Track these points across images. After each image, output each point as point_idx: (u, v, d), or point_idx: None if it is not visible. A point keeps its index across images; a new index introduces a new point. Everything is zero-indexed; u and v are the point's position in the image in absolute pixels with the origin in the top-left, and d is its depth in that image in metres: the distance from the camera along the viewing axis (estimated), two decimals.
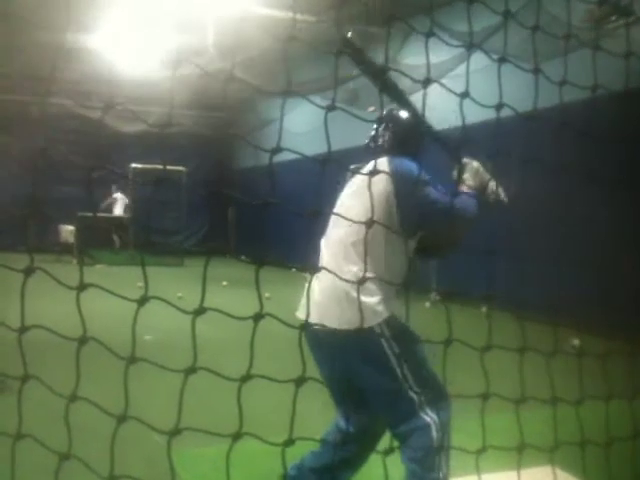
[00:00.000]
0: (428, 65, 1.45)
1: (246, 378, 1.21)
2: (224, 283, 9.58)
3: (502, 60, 1.57)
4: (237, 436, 1.20)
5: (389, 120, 2.57)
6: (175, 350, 2.75)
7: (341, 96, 9.49)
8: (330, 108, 1.25)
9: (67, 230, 13.57)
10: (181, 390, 1.24)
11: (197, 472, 2.98)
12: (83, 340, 1.22)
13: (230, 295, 6.26)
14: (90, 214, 13.01)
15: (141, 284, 1.28)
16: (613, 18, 5.58)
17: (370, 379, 2.29)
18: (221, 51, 9.01)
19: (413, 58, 7.36)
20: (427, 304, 8.17)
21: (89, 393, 1.29)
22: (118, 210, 15.18)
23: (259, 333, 1.32)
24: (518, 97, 2.04)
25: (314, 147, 4.77)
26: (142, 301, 1.20)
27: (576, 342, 5.46)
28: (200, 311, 1.20)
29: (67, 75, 10.65)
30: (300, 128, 10.39)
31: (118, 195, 15.19)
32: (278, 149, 1.18)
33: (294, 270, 8.95)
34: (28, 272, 1.25)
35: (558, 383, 1.84)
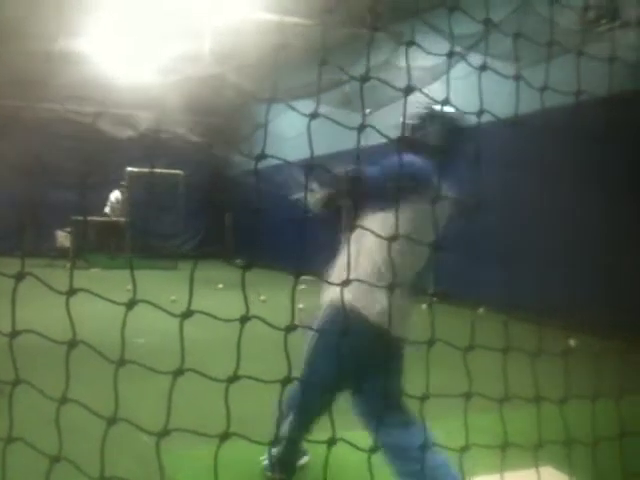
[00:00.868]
0: (409, 73, 1.47)
1: (233, 379, 1.23)
2: (220, 286, 9.58)
3: (482, 68, 1.59)
4: (225, 437, 1.22)
5: (431, 119, 2.49)
6: (165, 353, 2.75)
7: (336, 98, 9.51)
8: (314, 115, 1.27)
9: (63, 235, 13.54)
10: (169, 391, 1.25)
11: (189, 473, 2.98)
12: (73, 344, 1.24)
13: (225, 298, 6.25)
14: (85, 218, 13.00)
15: (130, 287, 1.30)
16: (604, 21, 5.62)
17: (386, 376, 2.41)
18: (218, 56, 9.02)
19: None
20: (424, 306, 8.18)
21: (80, 396, 1.31)
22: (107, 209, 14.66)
23: (251, 335, 1.34)
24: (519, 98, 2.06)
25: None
26: (130, 305, 1.22)
27: (572, 342, 5.47)
28: (187, 314, 1.22)
29: (65, 80, 10.65)
30: (297, 131, 10.39)
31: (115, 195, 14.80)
32: (263, 155, 1.20)
33: (282, 272, 8.95)
34: (19, 277, 1.26)
35: (552, 383, 1.86)
